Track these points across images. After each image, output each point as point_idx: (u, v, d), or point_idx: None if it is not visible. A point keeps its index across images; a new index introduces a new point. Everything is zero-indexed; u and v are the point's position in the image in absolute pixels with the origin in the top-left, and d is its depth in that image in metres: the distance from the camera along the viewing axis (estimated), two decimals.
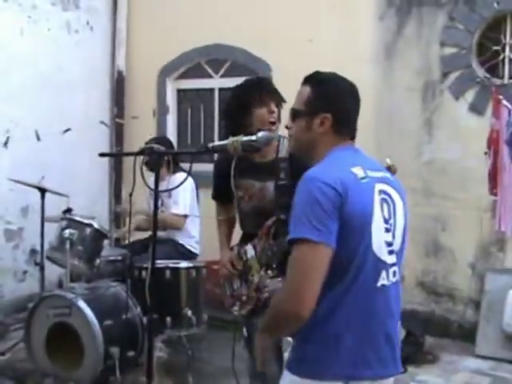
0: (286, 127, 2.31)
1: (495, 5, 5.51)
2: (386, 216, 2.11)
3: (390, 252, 2.12)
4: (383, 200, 2.11)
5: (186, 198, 5.16)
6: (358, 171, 2.08)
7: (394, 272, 2.13)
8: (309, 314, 1.97)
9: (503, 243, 5.52)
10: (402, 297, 2.20)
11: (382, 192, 2.12)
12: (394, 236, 2.14)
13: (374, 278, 2.06)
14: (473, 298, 5.65)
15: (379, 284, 2.08)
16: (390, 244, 2.11)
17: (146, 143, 4.80)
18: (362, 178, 2.07)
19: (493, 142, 4.57)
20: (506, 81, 5.56)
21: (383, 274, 2.08)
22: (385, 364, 2.11)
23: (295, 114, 2.24)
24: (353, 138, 2.25)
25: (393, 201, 2.15)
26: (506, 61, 5.60)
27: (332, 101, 2.18)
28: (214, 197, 3.72)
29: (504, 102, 4.58)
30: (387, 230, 2.10)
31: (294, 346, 2.12)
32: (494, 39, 5.65)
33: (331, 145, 2.18)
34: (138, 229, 5.22)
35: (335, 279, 2.01)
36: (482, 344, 5.35)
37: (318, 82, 2.22)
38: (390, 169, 3.62)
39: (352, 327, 2.04)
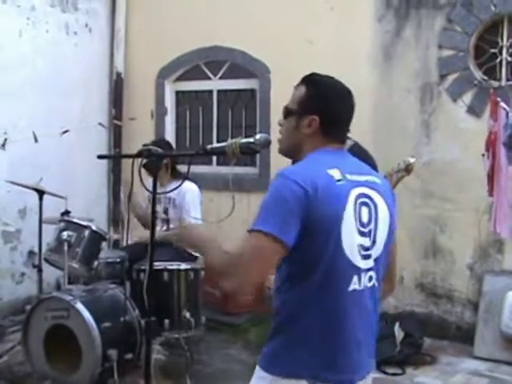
0: (280, 124, 2.33)
1: (492, 7, 5.52)
2: (365, 220, 2.10)
3: (366, 256, 2.10)
4: (362, 204, 2.10)
5: (197, 206, 5.03)
6: (335, 173, 2.08)
7: (370, 277, 2.12)
8: (241, 299, 2.06)
9: (501, 245, 5.53)
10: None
11: (361, 196, 2.11)
12: (373, 241, 2.12)
13: (345, 281, 2.06)
14: (471, 300, 5.66)
15: (350, 288, 2.07)
16: (366, 248, 2.10)
17: (144, 145, 4.77)
18: (338, 181, 2.06)
19: (491, 144, 4.57)
20: (503, 83, 5.57)
21: (355, 278, 2.07)
22: (353, 368, 2.11)
23: (287, 112, 2.26)
24: (342, 141, 2.26)
25: (375, 205, 2.14)
26: (504, 63, 5.61)
27: (322, 103, 2.19)
28: None
29: (502, 104, 4.58)
30: (363, 234, 2.09)
31: (268, 343, 2.14)
32: (491, 42, 5.66)
33: (316, 146, 2.19)
34: (138, 216, 5.14)
35: (302, 279, 2.04)
36: (480, 345, 5.36)
37: (312, 83, 2.24)
38: (407, 167, 3.66)
39: (320, 329, 2.05)
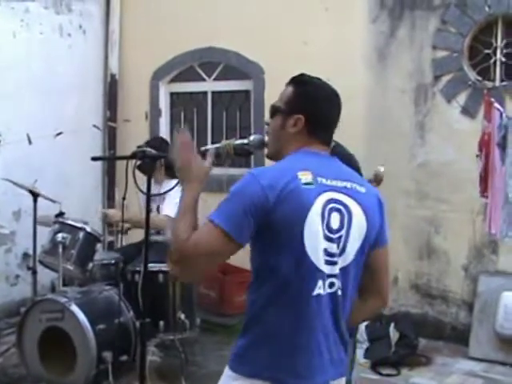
0: (267, 123, 2.34)
1: (487, 8, 5.53)
2: (334, 226, 2.07)
3: (331, 262, 2.07)
4: (333, 209, 2.07)
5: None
6: (305, 176, 2.05)
7: (332, 283, 2.08)
8: (176, 280, 2.07)
9: (496, 245, 5.54)
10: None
11: (334, 201, 2.08)
12: (342, 249, 2.09)
13: (309, 286, 2.04)
14: (466, 300, 5.66)
15: (315, 293, 2.04)
16: (331, 254, 2.07)
17: (138, 146, 4.77)
18: (307, 184, 2.04)
19: (484, 145, 4.57)
20: (497, 84, 5.58)
21: (319, 283, 2.05)
22: (313, 373, 2.08)
23: (274, 111, 2.27)
24: (327, 143, 2.24)
25: (349, 213, 2.10)
26: (498, 64, 5.62)
27: (308, 103, 2.19)
28: None
29: (496, 104, 4.58)
30: (330, 240, 2.06)
31: (236, 341, 2.16)
32: (485, 42, 5.67)
33: (300, 146, 2.18)
34: (129, 221, 5.13)
35: (267, 279, 2.04)
36: (475, 346, 5.36)
37: (299, 83, 2.24)
38: (376, 177, 3.63)
39: (283, 331, 2.05)
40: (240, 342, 2.12)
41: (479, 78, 5.64)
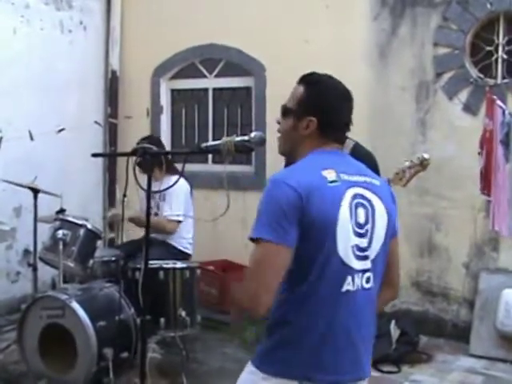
0: (278, 122, 2.31)
1: (488, 5, 5.52)
2: (361, 221, 2.09)
3: (362, 257, 2.09)
4: (358, 204, 2.09)
5: (180, 203, 5.15)
6: (329, 174, 2.07)
7: (368, 278, 2.11)
8: (265, 312, 2.01)
9: (497, 243, 5.53)
10: (381, 306, 2.19)
11: (357, 196, 2.10)
12: (370, 242, 2.11)
13: (338, 282, 2.05)
14: (467, 298, 5.66)
15: (344, 289, 2.06)
16: (362, 249, 2.09)
17: (138, 143, 4.77)
18: (332, 182, 2.06)
19: (485, 142, 4.57)
20: (499, 81, 5.57)
21: (348, 279, 2.06)
22: (345, 369, 2.09)
23: (285, 112, 2.25)
24: (341, 141, 2.25)
25: (372, 206, 2.13)
26: (499, 61, 5.61)
27: (320, 105, 2.17)
28: None
29: (497, 101, 4.57)
30: (360, 235, 2.08)
31: (261, 342, 2.15)
32: (487, 39, 5.66)
33: (314, 147, 2.18)
34: (132, 221, 5.15)
35: (298, 280, 2.03)
36: (476, 343, 5.36)
37: (311, 83, 2.22)
38: (423, 162, 3.67)
39: (312, 329, 2.04)
40: (267, 342, 2.11)
41: (481, 76, 5.63)
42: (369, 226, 2.11)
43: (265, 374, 2.08)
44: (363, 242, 2.09)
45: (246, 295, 2.02)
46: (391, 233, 2.20)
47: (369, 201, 2.13)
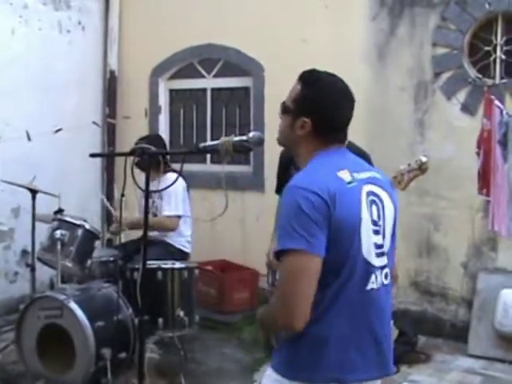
0: (280, 117, 2.29)
1: (487, 5, 5.52)
2: (375, 218, 2.09)
3: (380, 254, 2.09)
4: (372, 202, 2.09)
5: (178, 199, 5.14)
6: (345, 175, 2.05)
7: (386, 274, 2.12)
8: (303, 325, 1.97)
9: (495, 243, 5.54)
10: (394, 297, 2.19)
11: (370, 193, 2.09)
12: (384, 237, 2.12)
13: (363, 281, 2.05)
14: (465, 298, 5.66)
15: (368, 287, 2.06)
16: (379, 246, 2.09)
17: (136, 143, 4.77)
18: (349, 183, 2.04)
19: (483, 142, 4.57)
20: (497, 81, 5.57)
21: (372, 277, 2.06)
22: (372, 367, 2.09)
23: (283, 110, 2.22)
24: (341, 141, 2.20)
25: (381, 201, 2.13)
26: (498, 61, 5.61)
27: (316, 106, 2.13)
28: (277, 191, 3.84)
29: (496, 102, 4.58)
30: (377, 232, 2.08)
31: (281, 346, 2.11)
32: (485, 40, 5.66)
33: (313, 147, 2.14)
34: (133, 228, 5.17)
35: (326, 285, 2.00)
36: (475, 343, 5.36)
37: (309, 82, 2.17)
38: (421, 166, 3.67)
39: (339, 330, 2.03)
40: (292, 348, 2.06)
41: (479, 76, 5.63)
42: (381, 222, 2.11)
43: (293, 381, 2.04)
44: (379, 239, 2.09)
45: (281, 310, 1.98)
46: (396, 224, 2.21)
47: (378, 196, 2.13)
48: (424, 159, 3.73)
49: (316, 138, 2.15)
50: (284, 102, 2.22)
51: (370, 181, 2.13)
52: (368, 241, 2.04)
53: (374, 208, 2.09)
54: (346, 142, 3.54)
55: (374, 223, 2.08)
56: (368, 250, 2.04)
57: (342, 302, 2.02)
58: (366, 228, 2.04)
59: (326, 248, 1.96)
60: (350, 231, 2.00)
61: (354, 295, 2.03)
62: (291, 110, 2.17)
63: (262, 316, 2.13)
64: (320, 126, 2.13)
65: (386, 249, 2.12)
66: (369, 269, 2.05)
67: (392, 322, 5.59)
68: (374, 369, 2.11)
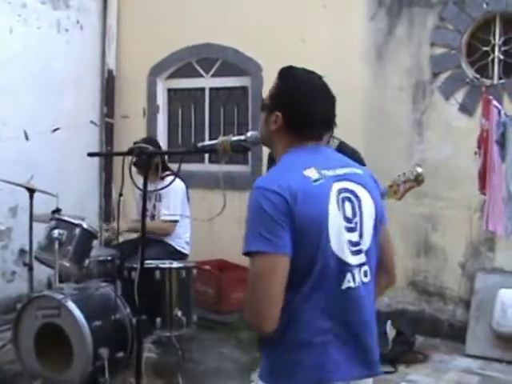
0: None
1: (485, 5, 5.52)
2: (349, 215, 2.05)
3: (357, 252, 2.05)
4: (345, 199, 2.05)
5: (177, 203, 5.16)
6: (311, 173, 2.02)
7: (366, 272, 2.08)
8: (273, 326, 1.95)
9: (493, 243, 5.54)
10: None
11: (342, 190, 2.05)
12: (361, 235, 2.07)
13: (338, 280, 2.01)
14: (463, 298, 5.66)
15: (344, 286, 2.02)
16: (355, 244, 2.05)
17: (135, 142, 4.76)
18: (316, 180, 2.01)
19: (483, 142, 4.57)
20: (495, 81, 5.58)
21: (348, 276, 2.02)
22: (355, 366, 2.06)
23: (262, 106, 2.22)
24: (315, 138, 2.15)
25: (358, 198, 2.09)
26: (496, 61, 5.61)
27: (286, 99, 2.12)
28: None
29: (494, 102, 4.58)
30: (351, 230, 2.04)
31: (264, 354, 2.09)
32: (483, 40, 5.66)
33: (286, 143, 2.13)
34: (131, 230, 5.19)
35: (297, 286, 1.98)
36: (472, 343, 5.36)
37: (284, 76, 2.18)
38: (417, 178, 3.66)
39: (318, 331, 2.00)
40: (271, 353, 2.06)
41: (477, 76, 5.63)
42: (357, 219, 2.07)
43: None
44: (355, 236, 2.05)
45: (250, 312, 1.97)
46: (379, 221, 2.16)
47: (354, 193, 2.08)
48: (420, 170, 3.72)
49: (288, 134, 2.13)
50: (262, 99, 2.23)
51: (345, 177, 2.09)
52: (339, 238, 2.00)
53: (348, 205, 2.05)
54: (337, 142, 3.56)
55: (348, 220, 2.04)
56: (340, 248, 2.00)
57: (317, 302, 1.99)
58: (336, 225, 2.00)
59: (293, 247, 1.94)
60: (316, 229, 1.96)
61: (330, 295, 2.00)
62: (267, 106, 2.18)
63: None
64: (292, 120, 2.12)
65: (364, 246, 2.08)
66: (343, 267, 2.01)
67: (390, 321, 5.58)
68: (360, 368, 2.08)
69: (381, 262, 2.21)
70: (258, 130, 2.28)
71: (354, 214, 2.07)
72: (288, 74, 2.18)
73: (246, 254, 1.97)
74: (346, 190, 2.07)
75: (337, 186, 2.05)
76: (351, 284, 2.03)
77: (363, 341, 2.09)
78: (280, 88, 2.16)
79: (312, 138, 2.14)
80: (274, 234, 1.92)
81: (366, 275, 2.08)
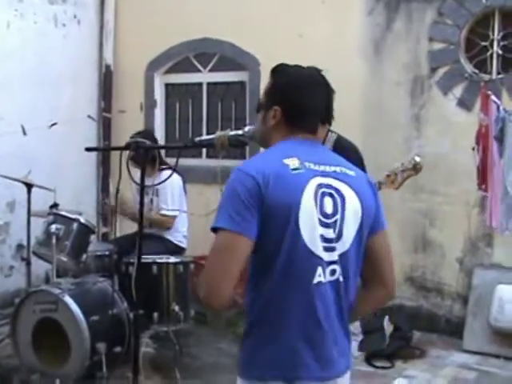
0: None
1: (483, 0, 5.51)
2: (328, 211, 2.02)
3: (329, 249, 2.01)
4: (325, 194, 2.03)
5: (175, 198, 5.16)
6: (292, 162, 2.02)
7: (333, 270, 2.03)
8: (223, 303, 1.98)
9: (491, 238, 5.54)
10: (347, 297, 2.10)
11: (324, 186, 2.03)
12: (339, 234, 2.03)
13: (308, 273, 1.99)
14: (460, 293, 5.67)
15: (315, 281, 1.99)
16: (329, 240, 2.01)
17: (131, 137, 4.75)
18: (294, 169, 2.00)
19: (481, 138, 4.56)
20: (494, 76, 5.57)
21: (319, 270, 2.00)
22: (326, 366, 2.04)
23: (258, 106, 2.24)
24: (312, 131, 2.16)
25: (341, 196, 2.05)
26: (494, 56, 5.61)
27: (282, 93, 2.14)
28: None
29: (492, 97, 4.57)
30: (326, 225, 2.01)
31: (241, 346, 2.10)
32: (482, 35, 5.65)
33: (281, 136, 2.14)
34: (131, 217, 5.16)
35: (263, 274, 1.99)
36: (470, 339, 5.37)
37: (275, 73, 2.20)
38: (415, 166, 3.67)
39: (287, 326, 2.00)
40: (245, 346, 2.07)
41: (476, 71, 5.62)
42: (337, 217, 2.04)
43: (248, 381, 2.03)
44: (329, 233, 2.02)
45: (204, 285, 1.98)
46: (371, 227, 2.11)
47: (337, 191, 2.06)
48: (418, 159, 3.73)
49: (285, 127, 2.14)
50: (258, 100, 2.25)
51: (330, 174, 2.07)
52: (311, 230, 1.98)
53: (329, 201, 2.03)
54: (335, 136, 3.54)
55: (325, 216, 2.01)
56: (311, 241, 1.98)
57: (285, 295, 1.98)
58: (309, 217, 1.98)
59: (260, 233, 1.96)
60: (285, 215, 1.96)
61: (300, 288, 1.99)
62: (263, 104, 2.19)
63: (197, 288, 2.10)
64: (288, 112, 2.13)
65: (338, 246, 2.04)
66: (314, 260, 1.99)
67: (387, 317, 5.58)
68: (330, 366, 2.05)
69: (377, 273, 2.17)
70: (256, 130, 2.28)
71: (335, 212, 2.04)
72: (279, 70, 2.21)
73: (213, 229, 2.00)
74: (329, 186, 2.05)
75: (319, 180, 2.03)
76: (322, 279, 2.01)
77: (332, 340, 2.05)
78: (274, 84, 2.18)
79: (305, 129, 2.14)
80: (241, 216, 1.94)
81: (332, 274, 2.03)
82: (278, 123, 2.14)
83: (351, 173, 2.13)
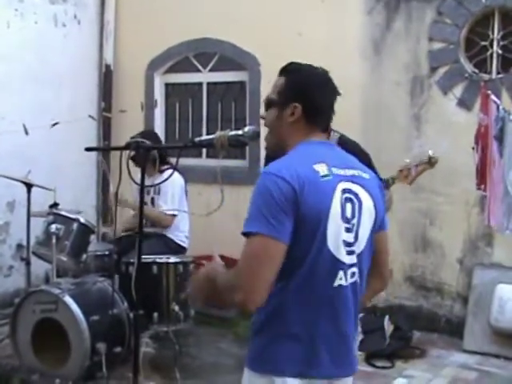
0: (262, 117, 2.31)
1: (483, 0, 5.51)
2: (349, 215, 2.07)
3: (350, 252, 2.07)
4: (347, 199, 2.07)
5: (175, 198, 5.16)
6: (321, 168, 2.04)
7: (353, 273, 2.09)
8: (257, 304, 1.98)
9: (491, 238, 5.54)
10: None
11: (346, 191, 2.07)
12: (356, 237, 2.09)
13: (330, 277, 2.03)
14: (461, 293, 5.67)
15: (336, 284, 2.04)
16: (349, 244, 2.06)
17: (132, 138, 4.75)
18: (324, 176, 2.03)
19: (481, 137, 4.56)
20: (493, 76, 5.57)
21: (340, 273, 2.05)
22: (340, 364, 2.09)
23: (269, 104, 2.24)
24: (325, 130, 2.22)
25: (359, 200, 2.10)
26: (494, 56, 5.60)
27: (303, 91, 2.16)
28: None
29: (492, 97, 4.57)
30: (348, 230, 2.06)
31: (251, 341, 2.11)
32: (481, 34, 5.65)
33: (302, 136, 2.16)
34: (127, 229, 5.19)
35: (288, 275, 2.00)
36: (470, 339, 5.37)
37: (291, 72, 2.22)
38: (431, 160, 3.69)
39: (306, 325, 2.03)
40: (258, 341, 2.08)
41: (475, 70, 5.62)
42: (355, 221, 2.09)
43: (261, 375, 2.05)
44: (350, 237, 2.07)
45: (240, 290, 1.97)
46: (378, 227, 2.18)
47: (356, 195, 2.10)
48: (431, 153, 3.75)
49: (305, 125, 2.16)
50: (267, 98, 2.26)
51: (350, 178, 2.11)
52: (337, 237, 2.02)
53: (349, 206, 2.07)
54: (338, 136, 3.54)
55: (346, 221, 2.06)
56: (336, 246, 2.02)
57: (307, 296, 2.01)
58: (336, 223, 2.02)
59: (291, 237, 1.96)
60: (316, 222, 1.98)
61: (321, 291, 2.03)
62: (277, 102, 2.20)
63: (220, 284, 2.09)
64: (309, 110, 2.15)
65: (356, 249, 2.09)
66: (337, 264, 2.04)
67: (387, 317, 5.59)
68: (343, 366, 2.11)
69: (376, 268, 2.23)
70: (268, 130, 2.26)
71: (353, 216, 2.08)
72: (294, 69, 2.23)
73: (245, 234, 1.99)
74: (350, 191, 2.09)
75: (342, 185, 2.07)
76: (343, 282, 2.06)
77: (347, 339, 2.11)
78: (292, 81, 2.19)
79: (321, 127, 2.20)
80: (278, 220, 1.94)
81: (352, 276, 2.09)
82: (297, 121, 2.16)
83: (366, 176, 2.18)
